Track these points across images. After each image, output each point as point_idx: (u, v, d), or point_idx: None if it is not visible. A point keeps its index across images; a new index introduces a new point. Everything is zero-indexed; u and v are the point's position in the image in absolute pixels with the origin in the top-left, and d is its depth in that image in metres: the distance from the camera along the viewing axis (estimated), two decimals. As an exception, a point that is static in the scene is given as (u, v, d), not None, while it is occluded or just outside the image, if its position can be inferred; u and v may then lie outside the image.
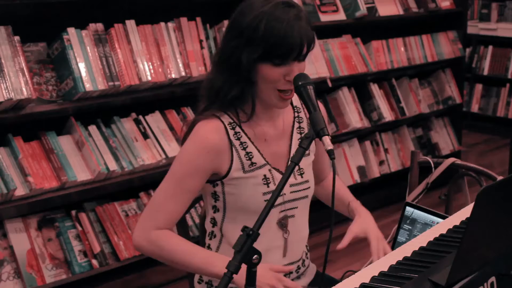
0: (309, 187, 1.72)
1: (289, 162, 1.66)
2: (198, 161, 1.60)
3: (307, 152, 1.72)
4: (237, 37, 1.57)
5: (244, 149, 1.63)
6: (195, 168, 1.60)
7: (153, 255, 1.65)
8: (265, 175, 1.64)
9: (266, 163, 1.65)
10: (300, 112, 1.76)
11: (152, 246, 1.63)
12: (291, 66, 1.55)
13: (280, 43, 1.51)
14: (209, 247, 1.73)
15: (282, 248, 1.70)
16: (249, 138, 1.64)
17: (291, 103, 1.76)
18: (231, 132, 1.63)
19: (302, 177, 1.70)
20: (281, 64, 1.54)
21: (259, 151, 1.65)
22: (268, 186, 1.63)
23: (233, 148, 1.62)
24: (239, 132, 1.63)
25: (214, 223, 1.71)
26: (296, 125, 1.73)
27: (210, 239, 1.73)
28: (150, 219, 1.64)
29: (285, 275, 1.71)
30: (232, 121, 1.64)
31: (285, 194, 1.66)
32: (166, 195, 1.63)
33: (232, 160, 1.62)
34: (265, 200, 1.62)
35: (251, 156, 1.63)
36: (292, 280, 1.75)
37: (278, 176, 1.66)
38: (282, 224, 1.69)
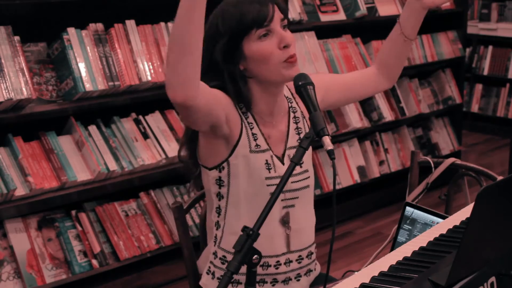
0: (309, 177, 1.73)
1: (287, 152, 1.69)
2: (216, 92, 1.58)
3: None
4: (205, 43, 1.58)
5: (251, 129, 1.65)
6: (214, 92, 1.58)
7: (174, 64, 1.41)
8: (267, 160, 1.65)
9: (269, 148, 1.67)
10: (292, 102, 1.77)
11: (168, 69, 1.41)
12: (277, 33, 1.58)
13: (240, 18, 1.55)
14: (216, 237, 1.74)
15: (285, 242, 1.70)
16: (255, 120, 1.66)
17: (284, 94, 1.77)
18: (240, 110, 1.65)
19: (301, 167, 1.72)
20: (266, 34, 1.57)
21: (263, 135, 1.67)
22: (269, 172, 1.65)
23: (243, 124, 1.64)
24: (246, 113, 1.66)
25: (219, 212, 1.71)
26: (292, 115, 1.75)
27: (217, 229, 1.74)
28: None
29: (285, 264, 1.71)
30: (240, 104, 1.66)
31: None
32: None
33: (241, 134, 1.63)
34: (267, 185, 1.63)
35: (256, 137, 1.65)
36: (296, 275, 1.75)
37: (278, 164, 1.67)
38: (284, 221, 1.69)
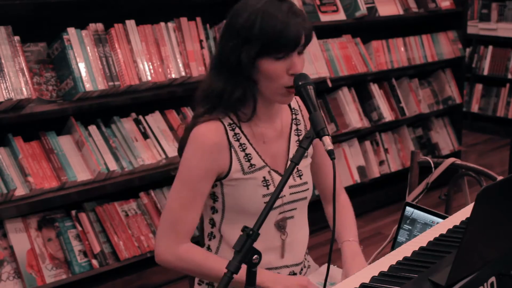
0: (308, 189, 1.72)
1: (289, 162, 1.68)
2: (205, 164, 1.60)
3: (305, 154, 1.72)
4: (234, 38, 1.57)
5: (243, 150, 1.63)
6: (203, 171, 1.60)
7: (181, 269, 1.65)
8: (264, 177, 1.64)
9: (265, 164, 1.65)
10: (298, 114, 1.76)
11: (181, 262, 1.63)
12: (292, 58, 1.55)
13: (278, 36, 1.52)
14: (208, 248, 1.73)
15: (280, 250, 1.70)
16: (248, 140, 1.64)
17: (289, 105, 1.76)
18: (230, 134, 1.63)
19: (301, 178, 1.70)
20: (282, 57, 1.55)
21: (257, 153, 1.65)
22: (268, 188, 1.63)
23: (232, 150, 1.62)
24: (238, 134, 1.64)
25: (212, 224, 1.71)
26: (294, 127, 1.73)
27: (210, 239, 1.73)
28: (172, 233, 1.62)
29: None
30: (232, 122, 1.64)
31: (284, 196, 1.66)
32: (182, 205, 1.61)
33: (231, 161, 1.62)
34: (264, 202, 1.62)
35: (250, 158, 1.63)
36: None
37: (277, 178, 1.66)
38: (280, 225, 1.69)
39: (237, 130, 1.64)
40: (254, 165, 1.63)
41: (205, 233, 1.75)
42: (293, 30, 1.52)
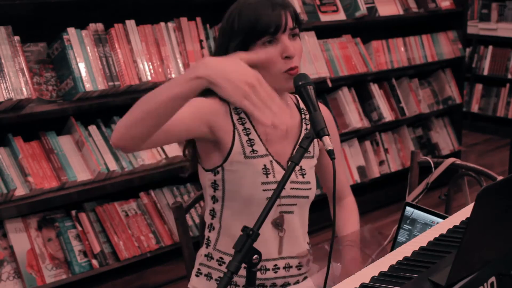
0: (310, 189, 1.73)
1: (289, 162, 1.68)
2: (200, 103, 1.59)
3: (310, 154, 1.73)
4: (221, 37, 1.63)
5: (247, 135, 1.64)
6: (195, 104, 1.57)
7: (130, 125, 1.41)
8: (265, 165, 1.64)
9: (268, 153, 1.66)
10: (307, 114, 1.76)
11: (123, 121, 1.42)
12: (283, 42, 1.58)
13: (255, 21, 1.56)
14: (208, 240, 1.74)
15: (277, 246, 1.70)
16: (253, 126, 1.66)
17: (298, 106, 1.77)
18: (235, 116, 1.65)
19: (303, 177, 1.71)
20: (270, 42, 1.57)
21: (261, 141, 1.66)
22: (267, 177, 1.64)
23: (236, 131, 1.63)
24: (244, 118, 1.65)
25: (213, 214, 1.72)
26: (304, 126, 1.74)
27: (210, 231, 1.74)
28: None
29: (284, 268, 1.72)
30: (238, 107, 1.65)
31: (284, 189, 1.66)
32: None
33: (233, 143, 1.63)
34: (263, 190, 1.63)
35: (252, 143, 1.64)
36: (296, 280, 1.75)
37: (278, 169, 1.66)
38: (277, 223, 1.69)
39: (243, 115, 1.66)
40: (256, 151, 1.64)
41: (206, 225, 1.75)
42: (270, 12, 1.56)
